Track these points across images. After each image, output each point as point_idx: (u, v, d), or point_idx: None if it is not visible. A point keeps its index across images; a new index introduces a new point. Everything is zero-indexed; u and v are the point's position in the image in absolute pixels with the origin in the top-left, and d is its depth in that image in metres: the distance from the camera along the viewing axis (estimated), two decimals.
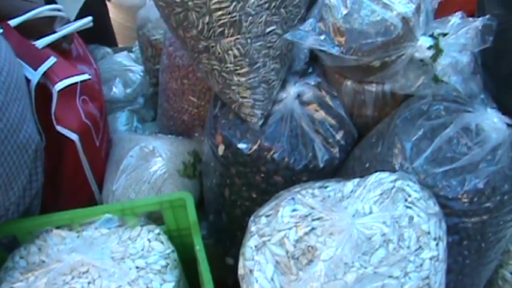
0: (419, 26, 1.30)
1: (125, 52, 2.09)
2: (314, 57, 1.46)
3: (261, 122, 1.40)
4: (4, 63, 1.24)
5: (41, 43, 1.56)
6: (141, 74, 1.94)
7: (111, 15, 2.52)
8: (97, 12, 2.20)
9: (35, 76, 1.43)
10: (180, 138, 1.69)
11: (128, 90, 1.89)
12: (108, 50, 2.09)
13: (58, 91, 1.45)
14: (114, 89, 1.88)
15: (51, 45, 1.60)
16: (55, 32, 1.64)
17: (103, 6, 2.32)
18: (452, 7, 1.56)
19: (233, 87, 1.39)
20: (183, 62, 1.60)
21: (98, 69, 1.76)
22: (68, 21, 1.71)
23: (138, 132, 1.87)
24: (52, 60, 1.47)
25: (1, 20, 1.55)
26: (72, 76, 1.49)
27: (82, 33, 1.94)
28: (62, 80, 1.46)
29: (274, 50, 1.37)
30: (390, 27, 1.28)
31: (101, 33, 2.09)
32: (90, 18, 1.76)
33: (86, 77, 1.52)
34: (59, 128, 1.45)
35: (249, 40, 1.33)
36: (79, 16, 2.05)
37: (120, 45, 2.52)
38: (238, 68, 1.36)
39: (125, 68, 1.95)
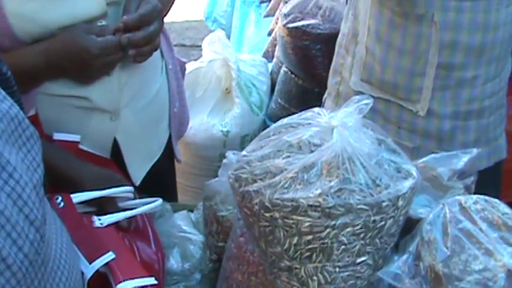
0: None
1: (185, 212, 1.99)
2: None
3: None
4: (64, 266, 1.11)
5: (104, 220, 1.43)
6: (201, 246, 1.83)
7: None
8: (164, 170, 2.15)
9: (89, 270, 1.28)
10: None
11: (186, 265, 1.78)
12: (168, 206, 1.99)
13: None
14: (172, 260, 1.77)
15: None
16: (118, 209, 1.53)
17: (171, 165, 2.25)
18: None
19: None
20: (253, 258, 1.48)
21: (160, 249, 1.66)
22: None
23: None
24: (110, 256, 1.32)
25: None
26: (138, 278, 1.33)
27: (144, 188, 1.88)
28: (126, 280, 1.30)
29: (362, 280, 1.26)
30: (493, 278, 1.18)
31: (164, 191, 2.01)
32: (160, 201, 1.68)
33: (152, 282, 1.38)
34: None
35: (337, 269, 1.23)
36: (146, 174, 2.02)
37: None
38: None
39: (184, 236, 1.85)
